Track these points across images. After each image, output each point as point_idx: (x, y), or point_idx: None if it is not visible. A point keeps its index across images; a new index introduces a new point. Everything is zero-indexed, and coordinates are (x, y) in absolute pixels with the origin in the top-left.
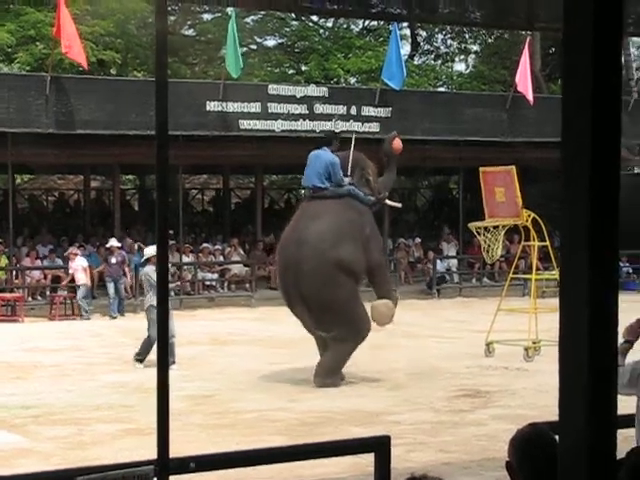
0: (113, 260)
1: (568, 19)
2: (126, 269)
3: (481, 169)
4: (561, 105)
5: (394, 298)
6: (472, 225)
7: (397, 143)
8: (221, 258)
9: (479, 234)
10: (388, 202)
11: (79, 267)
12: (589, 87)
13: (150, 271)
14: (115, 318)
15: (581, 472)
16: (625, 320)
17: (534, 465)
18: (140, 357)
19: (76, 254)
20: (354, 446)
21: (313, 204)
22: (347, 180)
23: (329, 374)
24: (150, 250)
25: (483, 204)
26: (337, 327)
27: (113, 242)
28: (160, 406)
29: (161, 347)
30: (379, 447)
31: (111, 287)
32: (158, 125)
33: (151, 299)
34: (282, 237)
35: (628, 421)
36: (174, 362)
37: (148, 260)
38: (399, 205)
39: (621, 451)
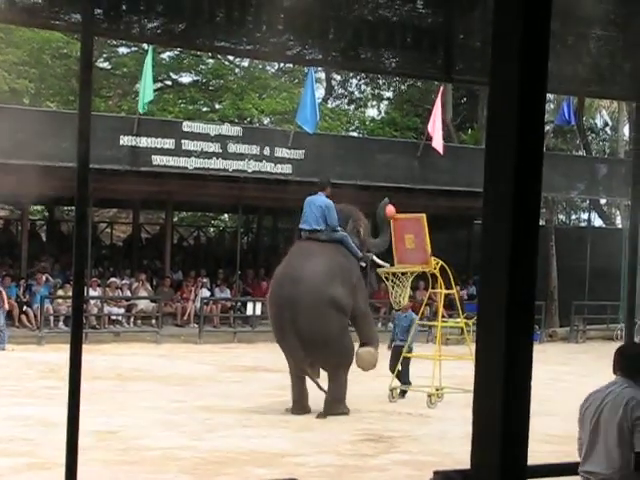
0: None
1: (494, 74)
2: (5, 300)
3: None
4: (485, 156)
5: (376, 344)
6: (380, 271)
7: (390, 210)
8: (128, 293)
9: (387, 279)
10: (376, 259)
11: None
12: (512, 140)
13: None
14: (3, 350)
15: None
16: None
17: None
18: None
19: None
20: None
21: (308, 244)
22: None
23: (339, 403)
24: None
25: (392, 250)
26: (330, 358)
27: None
28: (69, 442)
29: (72, 385)
30: None
31: None
32: (80, 163)
33: None
34: (277, 273)
35: (535, 471)
36: None
37: None
38: (387, 265)
39: None
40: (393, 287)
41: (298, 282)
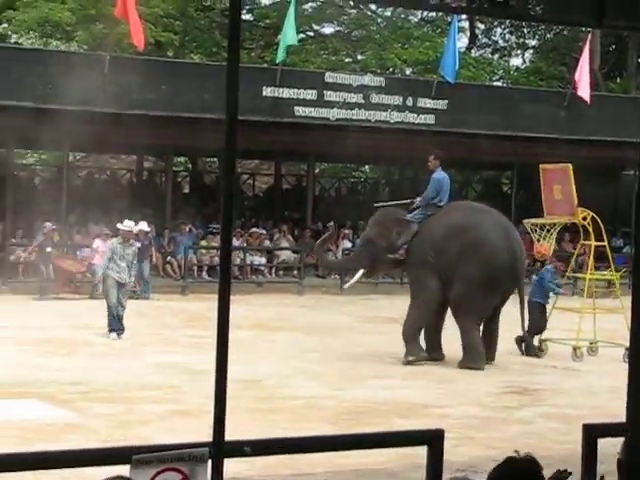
0: (138, 244)
1: None
2: (153, 250)
3: (541, 166)
4: None
5: None
6: (527, 222)
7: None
8: (269, 243)
9: (533, 231)
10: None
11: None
12: None
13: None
14: (148, 299)
15: None
16: None
17: None
18: (109, 327)
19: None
20: (407, 438)
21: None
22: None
23: None
24: (128, 223)
25: (542, 201)
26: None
27: (143, 226)
28: (218, 389)
29: (220, 332)
30: (433, 440)
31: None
32: (228, 116)
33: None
34: (481, 224)
35: None
36: (122, 331)
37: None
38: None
39: None
40: (539, 240)
41: (513, 237)
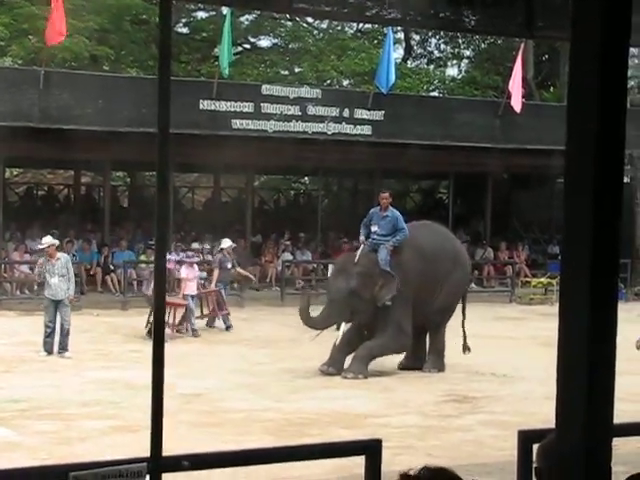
0: (229, 265)
1: (576, 29)
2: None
3: None
4: (566, 113)
5: None
6: None
7: None
8: (210, 257)
9: None
10: None
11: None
12: (595, 97)
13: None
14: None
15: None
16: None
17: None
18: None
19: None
20: (345, 448)
21: None
22: None
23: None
24: (46, 240)
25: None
26: None
27: (228, 243)
28: (154, 404)
29: (156, 345)
30: (370, 450)
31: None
32: (160, 125)
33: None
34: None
35: (620, 429)
36: (65, 349)
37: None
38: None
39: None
40: None
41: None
